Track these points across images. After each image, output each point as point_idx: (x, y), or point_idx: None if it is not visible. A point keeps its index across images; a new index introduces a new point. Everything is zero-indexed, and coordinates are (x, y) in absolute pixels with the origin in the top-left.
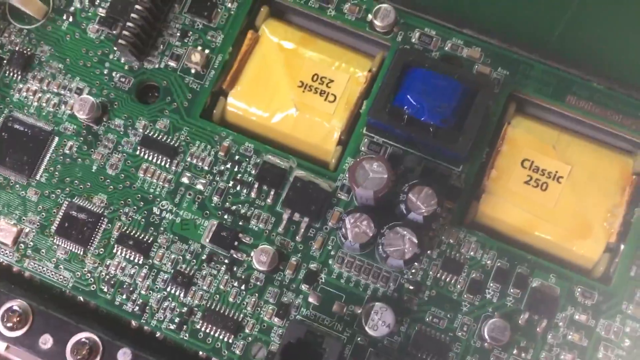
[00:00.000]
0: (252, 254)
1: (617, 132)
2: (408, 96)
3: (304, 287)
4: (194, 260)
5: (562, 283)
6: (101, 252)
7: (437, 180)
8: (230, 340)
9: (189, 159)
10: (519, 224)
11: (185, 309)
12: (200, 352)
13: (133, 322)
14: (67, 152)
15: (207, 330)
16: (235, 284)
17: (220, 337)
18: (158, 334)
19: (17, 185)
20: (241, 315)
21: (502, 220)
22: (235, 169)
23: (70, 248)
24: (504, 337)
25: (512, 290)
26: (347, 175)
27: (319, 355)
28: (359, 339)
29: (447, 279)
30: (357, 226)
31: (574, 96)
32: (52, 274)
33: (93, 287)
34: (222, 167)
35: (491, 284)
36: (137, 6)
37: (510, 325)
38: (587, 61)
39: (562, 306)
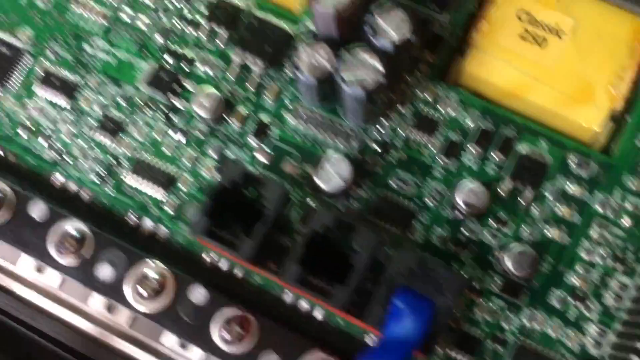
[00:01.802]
0: (192, 98)
1: None
2: None
3: (252, 141)
4: (127, 106)
5: (554, 150)
6: (21, 93)
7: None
8: (161, 197)
9: None
10: (509, 86)
11: (113, 159)
12: (130, 212)
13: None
14: None
15: (135, 185)
16: (172, 133)
17: (150, 193)
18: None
19: None
20: (176, 170)
21: (490, 82)
22: (183, 7)
23: None
24: (480, 202)
25: (494, 155)
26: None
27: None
28: (308, 199)
29: (420, 140)
30: (313, 56)
31: None
32: None
33: (10, 132)
34: (169, 4)
35: (470, 147)
36: None
37: (489, 192)
38: None
39: (551, 176)
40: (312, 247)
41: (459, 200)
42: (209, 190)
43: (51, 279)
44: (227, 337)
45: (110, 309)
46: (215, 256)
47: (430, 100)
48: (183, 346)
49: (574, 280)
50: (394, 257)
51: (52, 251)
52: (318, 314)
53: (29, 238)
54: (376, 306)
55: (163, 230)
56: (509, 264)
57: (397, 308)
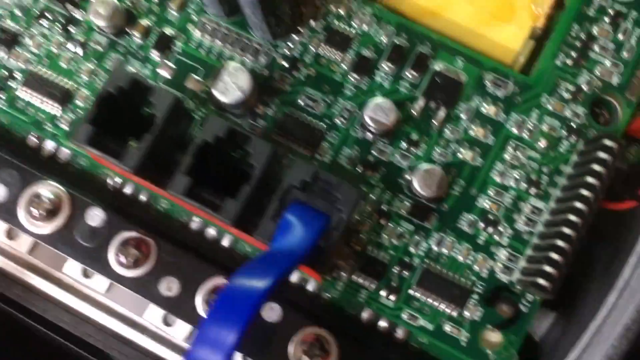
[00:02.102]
0: (90, 8)
1: None
2: None
3: (154, 54)
4: (23, 16)
5: (469, 68)
6: None
7: None
8: (58, 113)
9: None
10: (428, 4)
11: (5, 72)
12: (31, 134)
13: None
14: None
15: (29, 99)
16: (70, 46)
17: (45, 108)
18: None
19: None
20: (72, 84)
21: (408, 1)
22: None
23: None
24: (389, 120)
25: (408, 73)
26: None
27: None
28: (202, 112)
29: (331, 56)
30: None
31: None
32: None
33: None
34: None
35: (383, 65)
36: None
37: (398, 109)
38: None
39: (466, 95)
40: (203, 159)
41: (367, 118)
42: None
43: None
44: (123, 260)
45: (10, 235)
46: (119, 180)
47: (343, 14)
48: (86, 275)
49: (485, 204)
50: (289, 169)
51: None
52: (225, 242)
53: None
54: (267, 220)
55: (64, 152)
56: (415, 183)
57: (287, 222)
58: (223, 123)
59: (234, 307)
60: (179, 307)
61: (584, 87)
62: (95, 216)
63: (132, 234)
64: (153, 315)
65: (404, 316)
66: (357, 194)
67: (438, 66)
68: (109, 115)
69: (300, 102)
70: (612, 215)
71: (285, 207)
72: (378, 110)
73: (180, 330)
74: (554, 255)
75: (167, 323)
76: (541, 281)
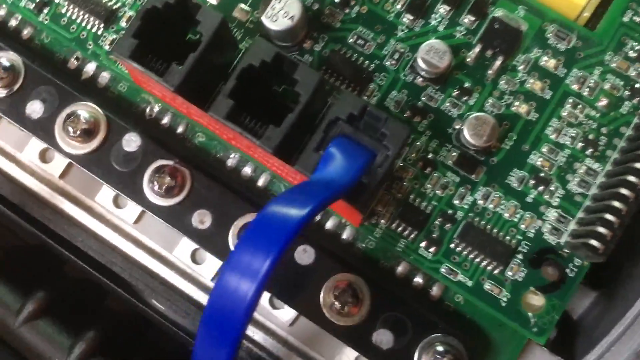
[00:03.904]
0: None
1: None
2: None
3: None
4: None
5: (531, 18)
6: None
7: None
8: (99, 32)
9: None
10: None
11: None
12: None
13: None
14: None
15: (72, 16)
16: None
17: (88, 26)
18: None
19: None
20: (118, 3)
21: None
22: None
23: None
24: (442, 62)
25: (465, 18)
26: None
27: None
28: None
29: None
30: None
31: None
32: None
33: None
34: None
35: (440, 7)
36: None
37: (452, 55)
38: None
39: (526, 46)
40: (246, 84)
41: (420, 59)
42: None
43: None
44: (156, 187)
45: (43, 157)
46: (157, 108)
47: None
48: (117, 205)
49: (538, 161)
50: (335, 100)
51: None
52: (261, 182)
53: None
54: (310, 151)
55: (104, 76)
56: (465, 131)
57: (331, 154)
58: (271, 47)
59: (269, 233)
60: (210, 241)
61: None
62: (132, 141)
63: (167, 162)
64: (182, 251)
65: (443, 270)
66: (406, 131)
67: (498, 13)
68: (152, 33)
69: (350, 40)
70: None
71: (330, 139)
72: (432, 52)
73: (208, 269)
74: (609, 216)
75: (195, 261)
76: (593, 242)
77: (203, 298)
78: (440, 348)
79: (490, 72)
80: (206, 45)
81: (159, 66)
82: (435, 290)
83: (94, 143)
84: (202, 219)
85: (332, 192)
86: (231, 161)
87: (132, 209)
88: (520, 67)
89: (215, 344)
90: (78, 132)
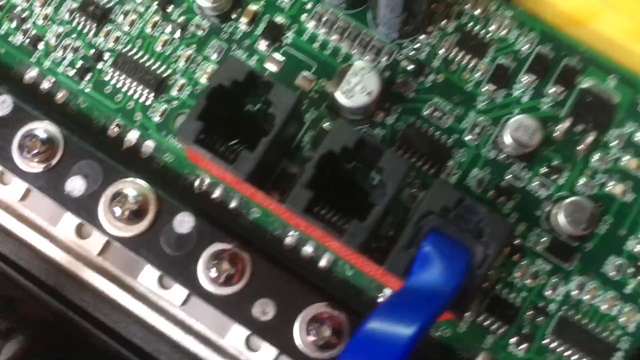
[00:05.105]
0: None
1: None
2: None
3: (262, 45)
4: None
5: (624, 88)
6: None
7: None
8: (148, 102)
9: None
10: (574, 10)
11: (93, 51)
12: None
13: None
14: None
15: (117, 84)
16: (168, 28)
17: (135, 95)
18: None
19: None
20: (168, 70)
21: (552, 3)
22: None
23: None
24: (532, 140)
25: (552, 89)
26: None
27: None
28: (323, 121)
29: (463, 62)
30: None
31: None
32: None
33: None
34: None
35: (524, 77)
36: None
37: (542, 131)
38: None
39: (619, 120)
40: (324, 172)
41: (506, 137)
42: (203, 90)
43: (14, 189)
44: (214, 275)
45: (81, 233)
46: (207, 180)
47: (479, 15)
48: (163, 285)
49: (636, 247)
50: (427, 192)
51: (15, 155)
52: (323, 262)
53: None
54: (400, 250)
55: (148, 145)
56: (560, 217)
57: (426, 255)
58: (353, 132)
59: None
60: (274, 333)
61: None
62: (184, 222)
63: (226, 245)
64: (235, 337)
65: None
66: (508, 227)
67: (586, 83)
68: (214, 112)
69: (425, 112)
70: None
71: (421, 234)
72: (521, 129)
73: (263, 357)
74: None
75: (251, 348)
76: None
77: None
78: None
79: (580, 147)
80: (280, 127)
81: (224, 149)
82: None
83: (143, 224)
84: (264, 309)
85: (439, 303)
86: (290, 239)
87: (179, 290)
88: (613, 143)
89: None
90: (126, 214)
